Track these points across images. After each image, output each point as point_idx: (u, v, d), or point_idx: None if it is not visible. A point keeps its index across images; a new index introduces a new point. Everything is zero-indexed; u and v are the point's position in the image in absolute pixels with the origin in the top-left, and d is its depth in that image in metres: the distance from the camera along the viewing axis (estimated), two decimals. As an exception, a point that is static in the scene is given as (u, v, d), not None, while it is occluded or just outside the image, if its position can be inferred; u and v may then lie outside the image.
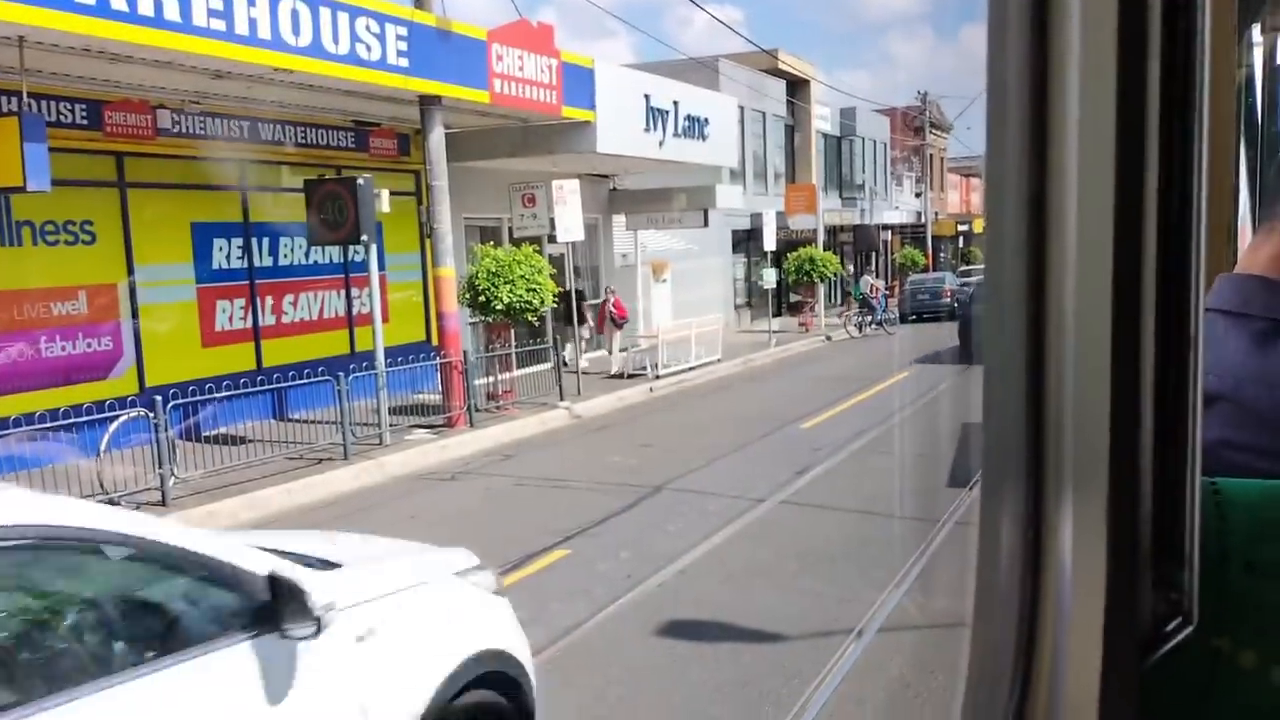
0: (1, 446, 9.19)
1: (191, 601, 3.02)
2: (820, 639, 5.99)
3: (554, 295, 14.81)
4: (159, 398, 9.69)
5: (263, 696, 2.90)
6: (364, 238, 11.75)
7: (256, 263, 14.12)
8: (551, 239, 16.44)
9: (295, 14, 10.68)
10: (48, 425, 9.04)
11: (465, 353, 13.52)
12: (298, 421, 12.19)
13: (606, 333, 19.86)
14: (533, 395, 15.20)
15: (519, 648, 3.98)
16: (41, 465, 9.32)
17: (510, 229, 17.02)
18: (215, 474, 10.29)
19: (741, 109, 25.60)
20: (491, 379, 14.56)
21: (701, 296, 25.36)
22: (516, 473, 11.17)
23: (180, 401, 10.23)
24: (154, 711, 2.71)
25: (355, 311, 15.57)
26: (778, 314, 30.58)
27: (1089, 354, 0.68)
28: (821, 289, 28.86)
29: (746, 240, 29.62)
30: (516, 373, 15.16)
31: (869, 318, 28.20)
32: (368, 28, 11.60)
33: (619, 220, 22.54)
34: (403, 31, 12.08)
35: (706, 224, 22.63)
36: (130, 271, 12.30)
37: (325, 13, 11.03)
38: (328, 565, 3.62)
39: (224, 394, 10.87)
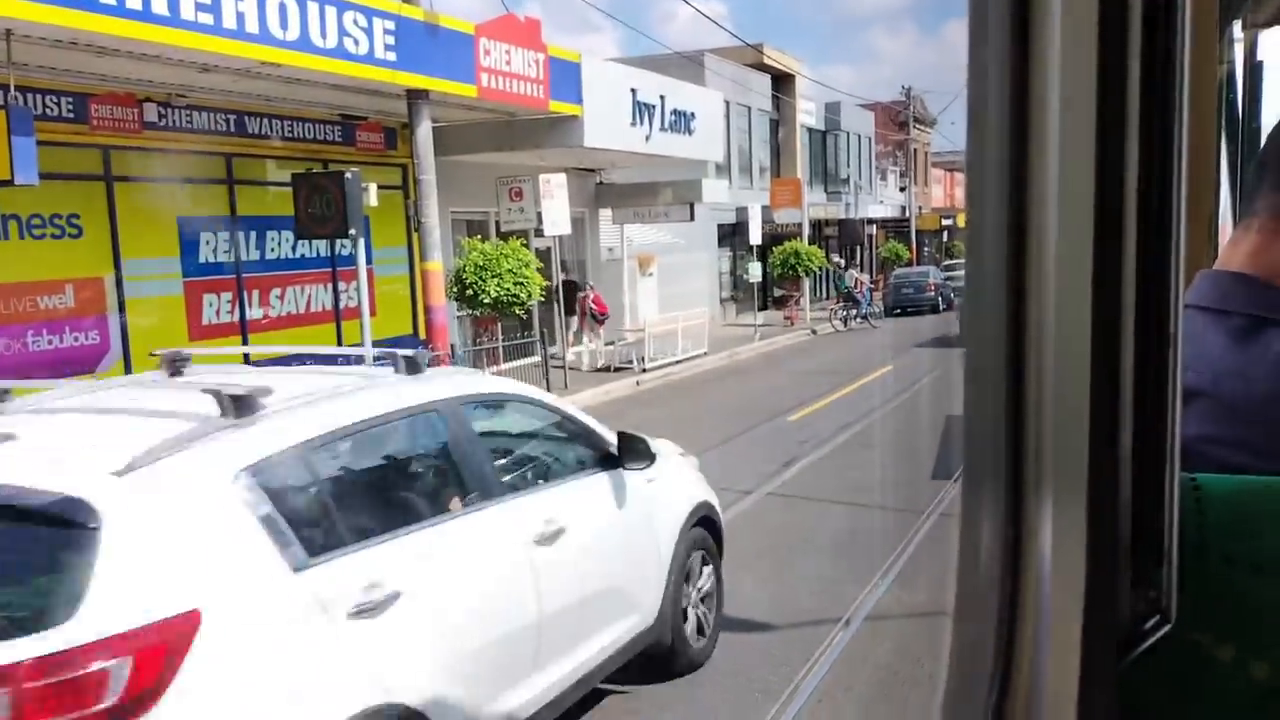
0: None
1: (576, 447, 5.16)
2: (809, 628, 6.04)
3: (541, 289, 14.78)
4: (144, 392, 9.61)
5: (611, 501, 5.02)
6: (351, 231, 11.67)
7: (243, 256, 14.04)
8: (538, 233, 16.42)
9: (283, 8, 10.62)
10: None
11: (453, 346, 13.50)
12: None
13: (586, 328, 19.82)
14: (520, 389, 15.13)
15: (716, 505, 5.93)
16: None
17: (497, 223, 16.97)
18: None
19: (727, 103, 25.56)
20: (479, 373, 14.51)
21: (687, 290, 25.34)
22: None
23: (165, 396, 10.13)
24: (571, 498, 4.75)
25: (342, 305, 15.49)
26: (763, 308, 30.61)
27: (1069, 351, 0.68)
28: (806, 283, 28.89)
29: (732, 234, 29.63)
30: (504, 366, 15.14)
31: (854, 311, 28.26)
32: (355, 22, 11.54)
33: (605, 214, 22.51)
34: (390, 26, 12.02)
35: (692, 218, 22.60)
36: (117, 265, 12.22)
37: (313, 7, 10.96)
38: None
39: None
